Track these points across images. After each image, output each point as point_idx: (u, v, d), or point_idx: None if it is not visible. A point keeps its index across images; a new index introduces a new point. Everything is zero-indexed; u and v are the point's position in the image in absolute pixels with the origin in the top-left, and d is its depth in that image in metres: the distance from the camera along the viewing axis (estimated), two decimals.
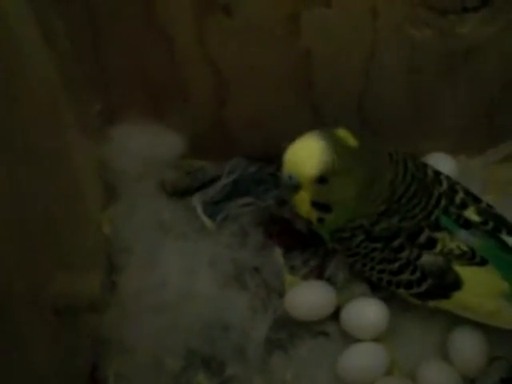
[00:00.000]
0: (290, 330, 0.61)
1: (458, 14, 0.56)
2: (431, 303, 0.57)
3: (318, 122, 0.63)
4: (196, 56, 0.59)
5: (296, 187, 0.55)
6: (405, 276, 0.56)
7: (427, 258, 0.55)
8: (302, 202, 0.56)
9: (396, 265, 0.56)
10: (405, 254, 0.55)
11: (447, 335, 0.59)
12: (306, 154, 0.54)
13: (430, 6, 0.56)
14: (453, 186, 0.58)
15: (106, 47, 0.59)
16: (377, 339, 0.59)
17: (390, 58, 0.60)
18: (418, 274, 0.55)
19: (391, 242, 0.55)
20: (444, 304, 0.56)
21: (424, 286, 0.55)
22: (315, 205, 0.56)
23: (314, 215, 0.57)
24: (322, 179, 0.54)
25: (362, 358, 0.58)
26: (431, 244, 0.55)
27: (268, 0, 0.56)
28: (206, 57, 0.59)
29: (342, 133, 0.55)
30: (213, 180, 0.68)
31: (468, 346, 0.57)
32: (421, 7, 0.56)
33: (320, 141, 0.54)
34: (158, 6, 0.56)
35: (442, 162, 0.66)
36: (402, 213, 0.55)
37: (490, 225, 0.56)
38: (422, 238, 0.55)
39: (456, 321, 0.58)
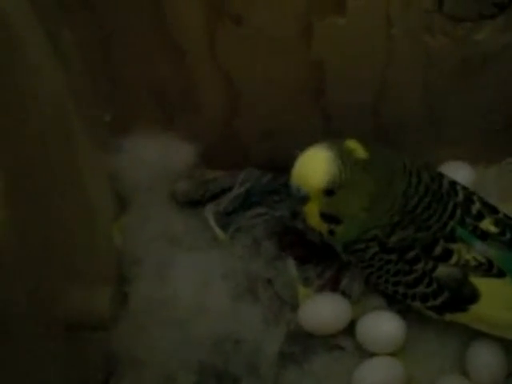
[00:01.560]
0: (303, 343, 0.61)
1: (475, 22, 0.56)
2: (448, 317, 0.57)
3: (331, 132, 0.63)
4: (207, 66, 0.60)
5: (304, 199, 0.56)
6: (420, 288, 0.56)
7: (443, 270, 0.55)
8: (312, 213, 0.57)
9: (411, 277, 0.56)
10: (420, 266, 0.55)
11: (465, 349, 0.59)
12: (313, 167, 0.54)
13: (445, 13, 0.56)
14: (469, 197, 0.58)
15: (117, 58, 0.60)
16: (393, 353, 0.59)
17: (405, 67, 0.60)
18: (433, 286, 0.55)
19: (406, 254, 0.56)
20: (461, 317, 0.56)
21: (440, 299, 0.56)
22: (324, 216, 0.56)
23: (324, 227, 0.57)
24: (329, 191, 0.54)
25: (378, 372, 0.58)
26: (447, 255, 0.55)
27: (280, 10, 0.56)
28: (217, 67, 0.60)
29: (352, 144, 0.55)
30: (225, 191, 0.68)
31: (486, 361, 0.57)
32: (436, 15, 0.56)
33: (328, 153, 0.54)
34: (168, 17, 0.57)
35: (459, 171, 0.66)
36: (417, 224, 0.55)
37: (508, 236, 0.56)
38: (438, 250, 0.55)
39: (474, 335, 0.58)
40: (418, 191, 0.56)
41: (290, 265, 0.64)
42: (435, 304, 0.56)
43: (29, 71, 0.48)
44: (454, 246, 0.55)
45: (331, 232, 0.57)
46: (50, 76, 0.52)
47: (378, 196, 0.55)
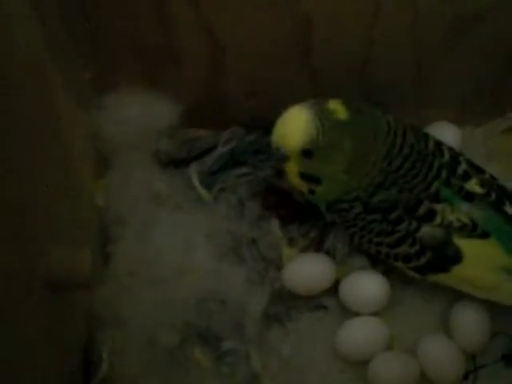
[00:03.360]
0: (287, 303, 0.62)
1: None
2: (431, 278, 0.58)
3: (318, 90, 0.63)
4: (190, 21, 0.59)
5: (283, 158, 0.57)
6: (403, 249, 0.57)
7: (426, 231, 0.56)
8: (292, 173, 0.58)
9: (394, 237, 0.57)
10: (403, 227, 0.56)
11: (449, 309, 0.60)
12: (292, 126, 0.55)
13: None
14: (455, 157, 0.59)
15: (96, 13, 0.59)
16: (376, 313, 0.60)
17: (392, 24, 0.60)
18: (416, 246, 0.56)
19: (389, 214, 0.56)
20: (444, 279, 0.57)
21: (423, 259, 0.57)
22: (304, 176, 0.57)
23: (304, 186, 0.58)
24: (306, 152, 0.55)
25: (361, 332, 0.59)
26: (430, 216, 0.56)
27: None
28: (200, 22, 0.60)
29: (334, 105, 0.55)
30: (209, 150, 0.68)
31: (470, 321, 0.59)
32: None
33: (307, 113, 0.55)
34: None
35: (446, 132, 0.66)
36: (400, 184, 0.56)
37: (493, 197, 0.57)
38: (421, 210, 0.56)
39: (458, 295, 0.59)
40: (402, 152, 0.56)
41: (275, 225, 0.65)
42: (418, 264, 0.57)
43: (4, 25, 0.47)
44: (438, 207, 0.56)
45: (311, 192, 0.58)
46: (27, 29, 0.51)
47: (358, 158, 0.55)
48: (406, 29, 0.61)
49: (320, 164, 0.56)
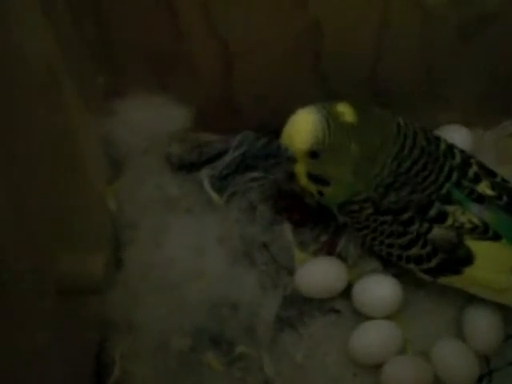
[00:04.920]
0: (300, 307, 0.63)
1: None
2: (442, 280, 0.58)
3: (327, 94, 0.64)
4: (201, 27, 0.60)
5: (291, 159, 0.58)
6: (415, 250, 0.57)
7: (438, 232, 0.56)
8: (301, 174, 0.59)
9: (406, 238, 0.57)
10: (414, 228, 0.57)
11: (461, 312, 0.60)
12: (299, 128, 0.56)
13: None
14: (467, 160, 0.59)
15: (108, 18, 0.60)
16: (389, 317, 0.61)
17: (402, 27, 0.61)
18: (428, 248, 0.57)
19: (400, 215, 0.57)
20: (455, 280, 0.58)
21: (434, 261, 0.57)
22: (311, 177, 0.58)
23: (313, 188, 0.59)
24: (313, 154, 0.56)
25: (374, 336, 0.60)
26: (442, 217, 0.56)
27: None
28: (211, 28, 0.60)
29: (342, 108, 0.56)
30: (220, 154, 0.69)
31: (483, 324, 0.59)
32: None
33: (314, 115, 0.56)
34: None
35: (457, 134, 0.67)
36: (411, 186, 0.57)
37: (504, 199, 0.58)
38: (433, 212, 0.56)
39: (470, 298, 0.59)
40: (412, 153, 0.57)
41: (286, 229, 0.65)
42: (430, 266, 0.58)
43: (17, 32, 0.48)
44: (450, 208, 0.57)
45: (320, 193, 0.59)
46: (40, 36, 0.52)
47: (366, 160, 0.56)
48: (415, 32, 0.61)
49: (326, 165, 0.57)
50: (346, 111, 0.56)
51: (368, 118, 0.57)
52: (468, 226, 0.56)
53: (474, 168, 0.59)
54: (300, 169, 0.59)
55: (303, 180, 0.59)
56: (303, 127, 0.56)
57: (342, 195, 0.58)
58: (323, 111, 0.56)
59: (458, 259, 0.57)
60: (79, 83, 0.59)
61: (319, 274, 0.62)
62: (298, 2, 0.59)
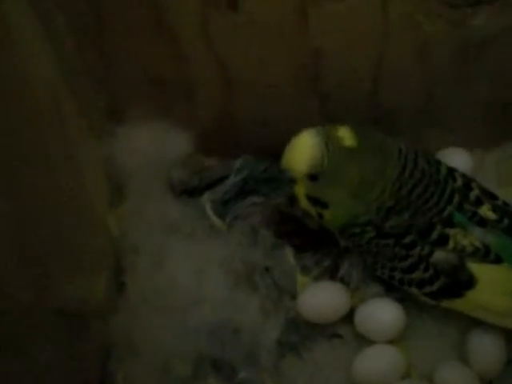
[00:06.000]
0: (302, 332, 0.62)
1: (472, 7, 0.58)
2: (444, 303, 0.59)
3: (328, 117, 0.64)
4: (201, 53, 0.61)
5: (291, 181, 0.59)
6: (417, 274, 0.58)
7: (440, 255, 0.57)
8: (301, 196, 0.60)
9: (408, 262, 0.58)
10: (416, 251, 0.57)
11: (464, 336, 0.60)
12: (298, 151, 0.57)
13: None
14: (468, 183, 0.60)
15: (111, 44, 0.61)
16: (392, 341, 0.61)
17: (401, 52, 0.61)
18: (430, 271, 0.57)
19: (402, 239, 0.57)
20: (457, 304, 0.58)
21: (437, 285, 0.57)
22: (310, 200, 0.59)
23: (313, 210, 0.60)
24: (312, 176, 0.57)
25: (378, 360, 0.60)
26: (443, 241, 0.57)
27: None
28: (211, 53, 0.61)
29: (342, 132, 0.57)
30: (221, 179, 0.69)
31: (486, 347, 0.59)
32: (432, 1, 0.58)
33: (314, 139, 0.56)
34: (163, 2, 0.58)
35: (457, 157, 0.67)
36: (413, 209, 0.57)
37: (506, 222, 0.58)
38: (434, 235, 0.57)
39: (473, 322, 0.59)
40: (413, 177, 0.57)
41: (288, 253, 0.66)
42: (432, 290, 0.58)
43: (20, 55, 0.48)
44: (451, 231, 0.57)
45: (320, 215, 0.59)
46: (42, 62, 0.53)
47: (365, 183, 0.57)
48: (415, 55, 0.62)
49: (325, 188, 0.58)
50: (346, 135, 0.57)
51: (368, 142, 0.57)
52: (470, 249, 0.57)
53: (476, 191, 0.59)
54: (300, 191, 0.59)
55: (303, 202, 0.60)
56: (302, 150, 0.57)
57: (341, 218, 0.59)
58: (323, 134, 0.57)
59: (459, 282, 0.57)
60: (80, 107, 0.59)
61: (322, 298, 0.62)
62: (299, 29, 0.59)
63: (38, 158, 0.50)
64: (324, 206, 0.59)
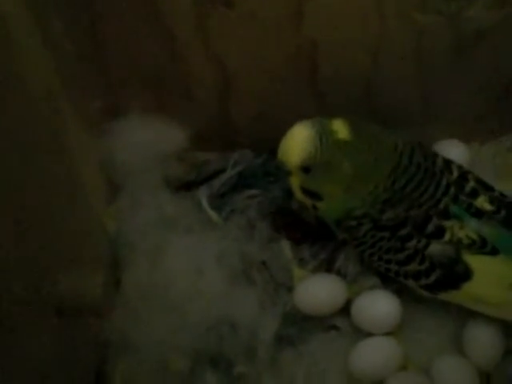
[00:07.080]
0: (299, 325, 0.63)
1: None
2: (441, 296, 0.59)
3: (324, 111, 0.63)
4: (198, 49, 0.61)
5: (286, 173, 0.59)
6: (413, 266, 0.58)
7: (436, 248, 0.57)
8: (296, 187, 0.60)
9: (403, 254, 0.58)
10: (412, 244, 0.57)
11: (462, 328, 0.60)
12: (292, 143, 0.57)
13: None
14: (464, 175, 0.60)
15: (107, 41, 0.61)
16: (389, 333, 0.61)
17: (397, 45, 0.62)
18: (426, 263, 0.57)
19: (398, 231, 0.58)
20: (453, 296, 0.58)
21: (433, 277, 0.58)
22: (305, 191, 0.59)
23: (308, 201, 0.60)
24: (305, 169, 0.57)
25: (374, 352, 0.60)
26: (440, 233, 0.57)
27: None
28: (207, 49, 0.61)
29: (336, 125, 0.57)
30: (218, 173, 0.70)
31: (483, 339, 0.59)
32: None
33: (307, 131, 0.57)
34: (159, 0, 0.58)
35: (454, 149, 0.68)
36: (408, 202, 0.57)
37: (503, 214, 0.58)
38: (430, 227, 0.57)
39: (470, 313, 0.59)
40: (407, 171, 0.58)
41: (285, 246, 0.66)
42: (428, 282, 0.58)
43: (16, 57, 0.49)
44: (447, 224, 0.57)
45: (314, 207, 0.60)
46: (39, 59, 0.53)
47: (358, 177, 0.57)
48: (410, 49, 0.62)
49: (318, 181, 0.58)
50: (340, 128, 0.57)
51: (363, 135, 0.58)
52: (466, 241, 0.57)
53: (472, 183, 0.59)
54: (295, 182, 0.60)
55: (299, 193, 0.60)
56: (296, 142, 0.57)
57: (336, 210, 0.59)
58: (317, 127, 0.57)
59: (456, 275, 0.57)
60: (77, 105, 0.59)
61: (318, 291, 0.62)
62: (294, 24, 0.60)
63: (33, 157, 0.50)
64: (318, 198, 0.59)
